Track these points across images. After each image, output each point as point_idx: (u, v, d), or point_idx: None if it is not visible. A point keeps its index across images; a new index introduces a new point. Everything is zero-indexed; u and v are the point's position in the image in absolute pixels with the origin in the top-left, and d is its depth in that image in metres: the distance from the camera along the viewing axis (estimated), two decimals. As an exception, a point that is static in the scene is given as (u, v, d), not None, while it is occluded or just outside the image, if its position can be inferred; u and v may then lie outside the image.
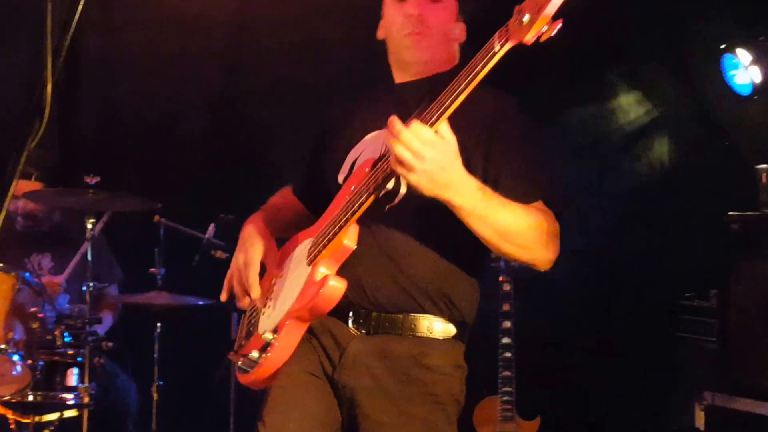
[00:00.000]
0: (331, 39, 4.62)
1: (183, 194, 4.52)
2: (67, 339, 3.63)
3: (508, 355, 4.02)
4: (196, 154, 4.80)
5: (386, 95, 2.37)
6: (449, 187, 1.94)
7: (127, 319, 4.36)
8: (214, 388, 4.22)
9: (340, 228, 2.14)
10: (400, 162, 1.90)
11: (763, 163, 3.72)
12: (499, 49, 1.84)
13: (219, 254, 4.10)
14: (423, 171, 1.90)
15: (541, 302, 4.31)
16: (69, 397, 3.63)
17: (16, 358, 3.51)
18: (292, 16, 4.64)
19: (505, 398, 4.00)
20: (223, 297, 2.41)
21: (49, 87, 1.66)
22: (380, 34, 2.41)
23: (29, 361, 3.54)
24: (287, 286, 2.29)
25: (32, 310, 3.60)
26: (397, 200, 2.13)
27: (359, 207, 2.09)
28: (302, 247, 2.30)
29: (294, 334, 2.22)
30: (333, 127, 2.47)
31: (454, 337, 2.26)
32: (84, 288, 3.77)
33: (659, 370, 4.01)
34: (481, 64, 1.86)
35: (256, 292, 2.31)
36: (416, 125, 1.89)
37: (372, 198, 2.09)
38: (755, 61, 3.80)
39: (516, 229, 2.05)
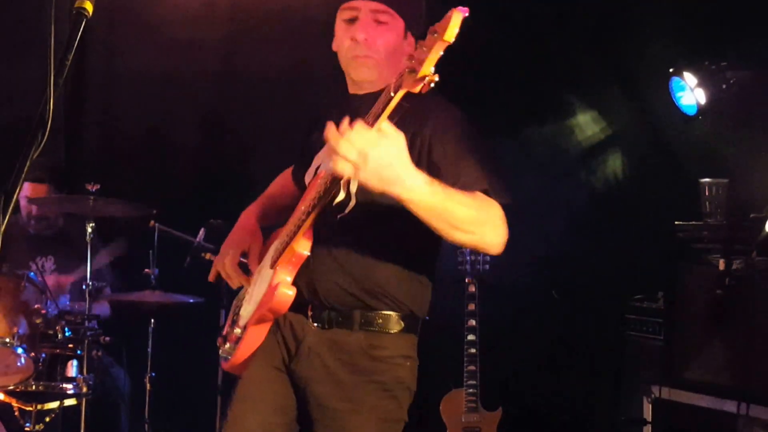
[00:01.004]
0: (315, 62, 4.64)
1: (176, 201, 4.53)
2: (67, 333, 3.63)
3: (472, 351, 4.03)
4: (188, 164, 4.81)
5: (343, 104, 2.34)
6: (397, 182, 1.86)
7: (123, 315, 4.35)
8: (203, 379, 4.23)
9: (293, 236, 2.18)
10: (347, 164, 1.82)
11: (707, 177, 3.75)
12: (394, 95, 1.82)
13: (208, 256, 4.09)
14: (369, 169, 1.82)
15: (504, 302, 4.33)
16: (69, 387, 3.63)
17: (20, 350, 3.50)
18: (279, 41, 4.67)
19: (470, 391, 4.01)
20: (211, 277, 2.48)
21: (51, 102, 1.66)
22: (334, 46, 2.39)
23: (32, 354, 3.54)
24: (259, 284, 2.35)
25: (36, 306, 3.59)
26: (347, 210, 2.13)
27: (308, 217, 2.13)
28: (273, 247, 2.35)
29: (259, 331, 2.29)
30: (310, 124, 2.47)
31: (403, 330, 2.28)
32: (84, 287, 3.76)
33: (611, 365, 4.02)
34: (382, 106, 1.85)
35: (233, 283, 2.41)
36: (358, 126, 1.83)
37: (318, 209, 2.11)
38: (700, 84, 3.80)
39: (465, 216, 2.00)
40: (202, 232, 4.14)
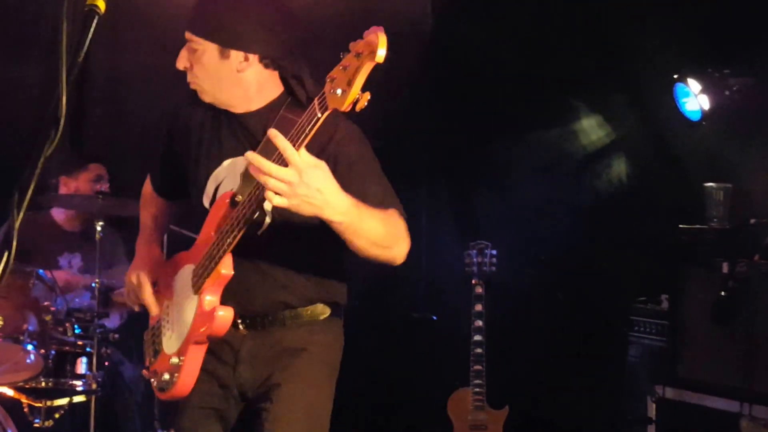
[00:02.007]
0: (314, 60, 4.61)
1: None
2: (77, 331, 3.59)
3: (479, 350, 4.01)
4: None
5: (230, 122, 2.33)
6: (327, 206, 1.93)
7: (132, 312, 4.31)
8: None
9: (218, 261, 2.19)
10: (277, 193, 1.88)
11: (710, 182, 3.73)
12: (321, 115, 1.86)
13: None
14: (299, 196, 1.88)
15: (510, 304, 4.31)
16: (78, 384, 3.59)
17: (30, 347, 3.46)
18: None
19: (477, 390, 4.00)
20: (136, 308, 2.51)
21: (63, 99, 1.62)
22: None
23: (42, 351, 3.49)
24: (181, 312, 2.35)
25: (45, 304, 3.55)
26: (264, 227, 2.23)
27: (233, 240, 2.14)
28: (186, 272, 2.35)
29: (197, 355, 2.30)
30: (179, 137, 2.46)
31: (330, 315, 2.38)
32: (93, 285, 3.72)
33: (615, 365, 4.00)
34: (309, 126, 1.88)
35: (154, 310, 2.44)
36: (290, 155, 1.85)
37: (242, 232, 2.13)
38: (704, 90, 3.80)
39: (383, 234, 2.10)
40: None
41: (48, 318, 3.54)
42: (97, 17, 1.69)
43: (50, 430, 3.62)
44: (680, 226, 3.74)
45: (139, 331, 4.11)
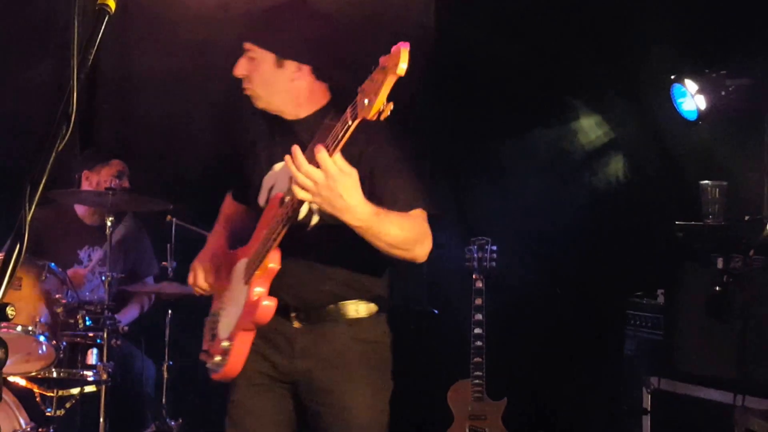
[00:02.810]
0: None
1: (192, 197, 4.48)
2: (87, 323, 3.58)
3: (479, 343, 4.01)
4: (202, 162, 4.76)
5: (282, 129, 2.47)
6: (347, 211, 2.06)
7: (151, 305, 4.33)
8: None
9: (266, 255, 2.31)
10: (304, 189, 2.02)
11: (706, 180, 3.73)
12: (352, 123, 1.96)
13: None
14: (323, 197, 2.02)
15: (509, 298, 4.30)
16: (89, 374, 3.58)
17: (42, 338, 3.45)
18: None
19: (476, 381, 4.00)
20: (190, 281, 2.61)
21: (74, 95, 1.62)
22: None
23: (54, 342, 3.48)
24: (234, 300, 2.48)
25: (57, 296, 3.53)
26: (312, 224, 2.33)
27: (277, 236, 2.27)
28: (241, 265, 2.48)
29: (245, 341, 2.41)
30: (247, 145, 2.62)
31: (377, 312, 2.48)
32: (104, 278, 3.72)
33: (612, 358, 4.00)
34: (341, 133, 1.98)
35: (208, 291, 2.58)
36: (321, 158, 1.97)
37: (285, 229, 2.25)
38: (700, 91, 3.79)
39: (402, 239, 2.22)
40: (217, 227, 4.12)
41: (59, 310, 3.52)
42: (107, 16, 1.69)
43: (61, 419, 3.61)
44: (676, 222, 3.74)
45: (149, 325, 4.14)
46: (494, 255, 4.11)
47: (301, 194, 2.02)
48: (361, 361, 2.45)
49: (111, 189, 3.76)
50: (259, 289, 2.34)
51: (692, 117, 3.85)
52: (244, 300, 2.38)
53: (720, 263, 3.45)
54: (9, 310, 1.46)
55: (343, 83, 2.38)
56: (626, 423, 3.82)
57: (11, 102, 4.54)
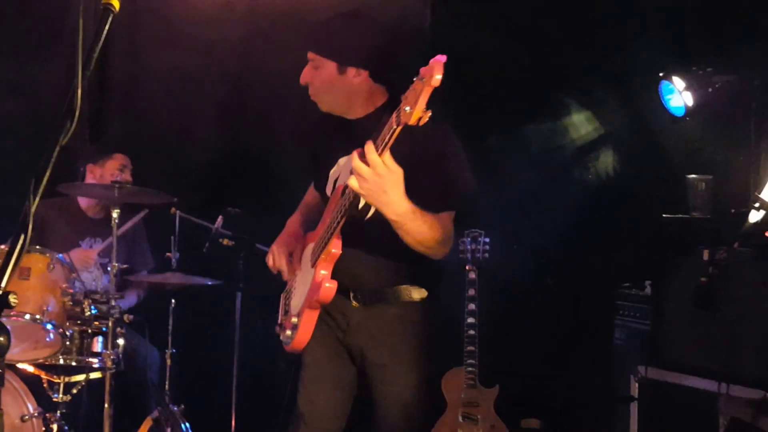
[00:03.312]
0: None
1: (195, 190, 4.51)
2: (93, 311, 3.60)
3: (472, 332, 4.02)
4: (207, 156, 4.79)
5: (345, 127, 2.66)
6: (388, 205, 2.25)
7: (146, 295, 4.35)
8: (220, 355, 4.23)
9: (329, 240, 2.48)
10: (357, 183, 2.19)
11: (693, 174, 3.74)
12: (397, 127, 2.07)
13: (226, 242, 4.11)
14: (369, 190, 2.20)
15: (502, 288, 4.32)
16: (94, 362, 3.61)
17: (49, 326, 3.48)
18: (294, 41, 4.64)
19: (469, 369, 4.00)
20: (269, 262, 2.80)
21: (79, 92, 1.64)
22: None
23: (60, 330, 3.51)
24: (303, 281, 2.68)
25: (63, 285, 3.56)
26: (370, 214, 2.48)
27: (338, 225, 2.43)
28: (309, 249, 2.69)
29: (311, 317, 2.59)
30: (318, 140, 2.83)
31: (427, 297, 2.67)
32: (109, 268, 3.74)
33: (601, 347, 4.01)
34: (388, 135, 2.11)
35: (286, 275, 2.77)
36: (370, 156, 2.14)
37: (344, 219, 2.40)
38: (688, 88, 3.80)
39: (429, 237, 2.40)
40: (220, 219, 4.13)
41: (66, 299, 3.55)
42: (111, 15, 1.71)
43: (68, 405, 3.64)
44: (664, 215, 3.75)
45: (152, 314, 4.16)
46: (487, 247, 4.12)
47: (352, 183, 2.19)
48: (409, 342, 2.64)
49: (117, 182, 3.77)
50: (323, 272, 2.51)
51: (680, 113, 3.86)
52: (311, 281, 2.56)
53: (706, 255, 3.45)
54: (11, 298, 1.48)
55: (399, 84, 2.45)
56: (614, 410, 3.84)
57: (22, 101, 4.55)
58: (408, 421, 2.66)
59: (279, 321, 2.83)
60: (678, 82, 3.81)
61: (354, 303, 2.65)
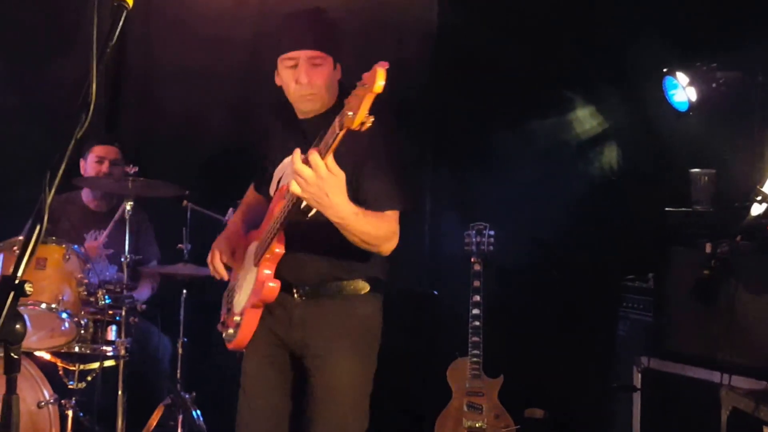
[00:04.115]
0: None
1: (206, 183, 4.52)
2: (107, 301, 3.62)
3: (477, 323, 4.02)
4: (218, 149, 4.80)
5: (294, 126, 2.61)
6: (330, 208, 2.22)
7: (158, 286, 4.37)
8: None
9: (272, 240, 2.45)
10: (298, 187, 2.17)
11: (696, 168, 3.73)
12: (339, 132, 2.05)
13: (237, 233, 4.10)
14: (310, 193, 2.16)
15: (507, 280, 4.32)
16: (108, 350, 3.64)
17: (64, 315, 3.51)
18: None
19: (474, 360, 4.00)
20: (208, 259, 2.74)
21: (94, 86, 1.65)
22: (277, 81, 2.62)
23: (75, 319, 3.54)
24: (246, 280, 2.64)
25: (78, 276, 3.59)
26: (311, 214, 2.37)
27: (281, 225, 2.41)
28: (253, 248, 2.64)
29: (254, 316, 2.57)
30: (263, 140, 2.78)
31: (370, 291, 2.62)
32: (123, 259, 3.76)
33: (604, 338, 4.01)
34: (331, 140, 2.09)
35: (222, 276, 2.71)
36: (312, 160, 2.12)
37: (289, 217, 2.37)
38: (691, 83, 3.78)
39: (374, 236, 2.40)
40: (230, 211, 4.13)
41: (81, 289, 3.58)
42: (125, 11, 1.71)
43: (82, 392, 3.67)
44: (667, 209, 3.74)
45: (164, 304, 4.17)
46: (492, 239, 4.12)
47: (293, 188, 2.17)
48: (350, 333, 2.59)
49: (130, 175, 3.78)
50: (267, 272, 2.49)
51: (683, 108, 3.84)
52: (254, 280, 2.53)
53: (708, 248, 3.45)
54: (27, 287, 1.49)
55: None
56: (617, 400, 3.84)
57: (38, 96, 4.57)
58: (343, 411, 2.58)
59: (222, 319, 2.78)
60: (682, 78, 3.80)
61: (296, 297, 2.60)
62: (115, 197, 4.30)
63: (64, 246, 3.59)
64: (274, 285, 2.48)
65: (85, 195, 4.35)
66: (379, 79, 1.92)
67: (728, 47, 3.83)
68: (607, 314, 3.99)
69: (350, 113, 1.99)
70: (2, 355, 1.50)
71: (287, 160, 2.54)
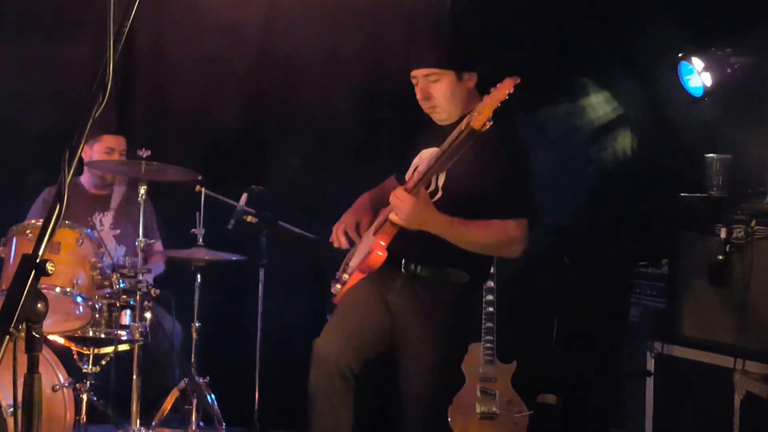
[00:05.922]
0: (345, 43, 4.65)
1: (220, 168, 4.52)
2: (121, 285, 3.63)
3: (490, 309, 4.02)
4: (231, 134, 4.79)
5: (433, 129, 2.85)
6: (424, 225, 2.60)
7: (172, 270, 4.37)
8: (244, 328, 4.25)
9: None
10: (396, 213, 2.58)
11: (711, 153, 3.71)
12: (464, 129, 2.37)
13: (250, 219, 4.12)
14: (404, 217, 2.58)
15: (520, 267, 4.29)
16: (122, 334, 3.63)
17: (79, 299, 3.51)
18: (313, 24, 4.66)
19: (488, 345, 4.01)
20: (333, 238, 2.98)
21: (111, 66, 1.64)
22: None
23: (90, 303, 3.54)
24: (364, 245, 2.86)
25: (92, 260, 3.58)
26: (436, 198, 2.69)
27: None
28: (378, 220, 2.88)
29: (357, 278, 2.82)
30: (415, 138, 2.99)
31: (468, 281, 2.80)
32: (136, 243, 3.76)
33: (618, 324, 4.01)
34: (458, 139, 2.42)
35: (341, 244, 2.93)
36: (399, 192, 2.59)
37: None
38: (707, 68, 3.76)
39: (484, 244, 2.68)
40: (244, 197, 4.14)
41: (95, 273, 3.58)
42: (139, -6, 1.70)
43: (97, 375, 3.68)
44: (681, 194, 3.73)
45: (178, 290, 4.18)
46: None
47: (392, 217, 2.61)
48: (443, 318, 2.77)
49: (144, 159, 3.78)
50: (381, 242, 2.71)
51: (698, 93, 3.82)
52: (368, 246, 2.75)
53: (723, 233, 3.44)
54: (49, 266, 1.49)
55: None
56: (631, 385, 3.84)
57: (51, 79, 4.57)
58: (427, 390, 2.79)
59: (336, 276, 2.99)
60: (697, 63, 3.78)
61: (402, 272, 2.78)
62: (109, 180, 4.34)
63: (77, 230, 3.59)
64: (381, 254, 2.69)
65: (85, 181, 4.38)
66: (504, 90, 2.26)
67: (743, 32, 3.80)
68: (621, 300, 3.98)
69: (476, 113, 2.29)
70: (24, 334, 1.50)
71: (425, 152, 2.81)
